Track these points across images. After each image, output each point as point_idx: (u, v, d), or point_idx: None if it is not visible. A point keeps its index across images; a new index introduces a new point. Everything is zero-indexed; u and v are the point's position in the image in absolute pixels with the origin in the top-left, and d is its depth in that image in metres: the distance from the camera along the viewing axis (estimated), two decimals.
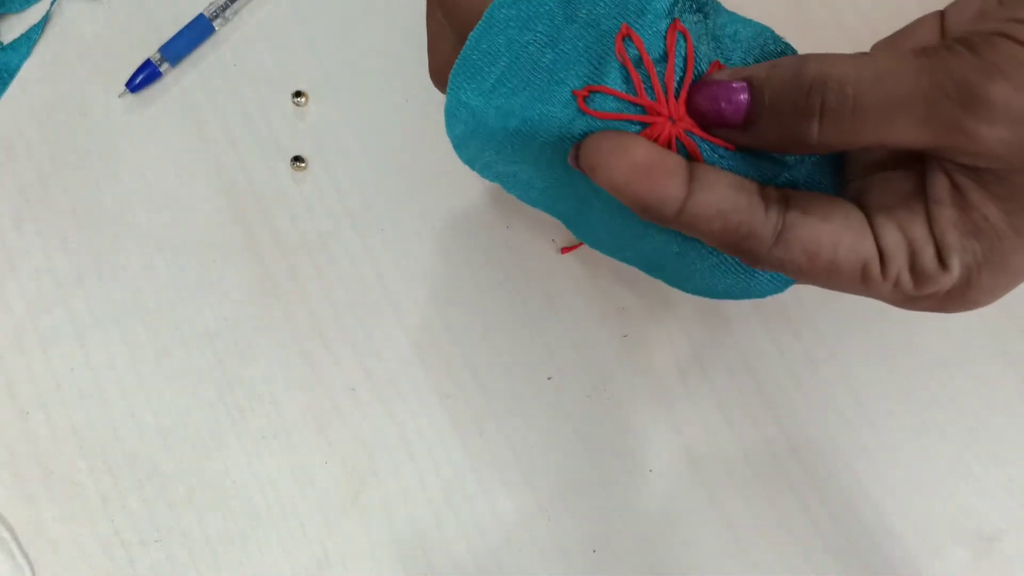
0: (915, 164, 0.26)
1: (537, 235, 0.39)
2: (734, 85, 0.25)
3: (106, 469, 0.37)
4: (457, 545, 0.36)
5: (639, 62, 0.26)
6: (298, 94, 0.41)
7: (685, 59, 0.26)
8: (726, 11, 0.28)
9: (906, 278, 0.25)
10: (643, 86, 0.26)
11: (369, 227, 0.39)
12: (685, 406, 0.38)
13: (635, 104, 0.26)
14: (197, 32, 0.41)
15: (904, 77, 0.23)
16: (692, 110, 0.26)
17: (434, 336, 0.38)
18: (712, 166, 0.26)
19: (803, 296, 0.38)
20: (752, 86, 0.25)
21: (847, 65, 0.23)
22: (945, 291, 0.25)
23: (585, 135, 0.27)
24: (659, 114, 0.26)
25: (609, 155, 0.25)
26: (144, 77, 0.40)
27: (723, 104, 0.25)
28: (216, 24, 0.41)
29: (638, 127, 0.26)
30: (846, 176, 0.28)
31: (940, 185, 0.24)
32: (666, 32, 0.26)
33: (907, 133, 0.23)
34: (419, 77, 0.41)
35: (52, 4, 0.42)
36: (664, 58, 0.26)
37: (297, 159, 0.40)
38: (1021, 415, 0.37)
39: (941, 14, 0.28)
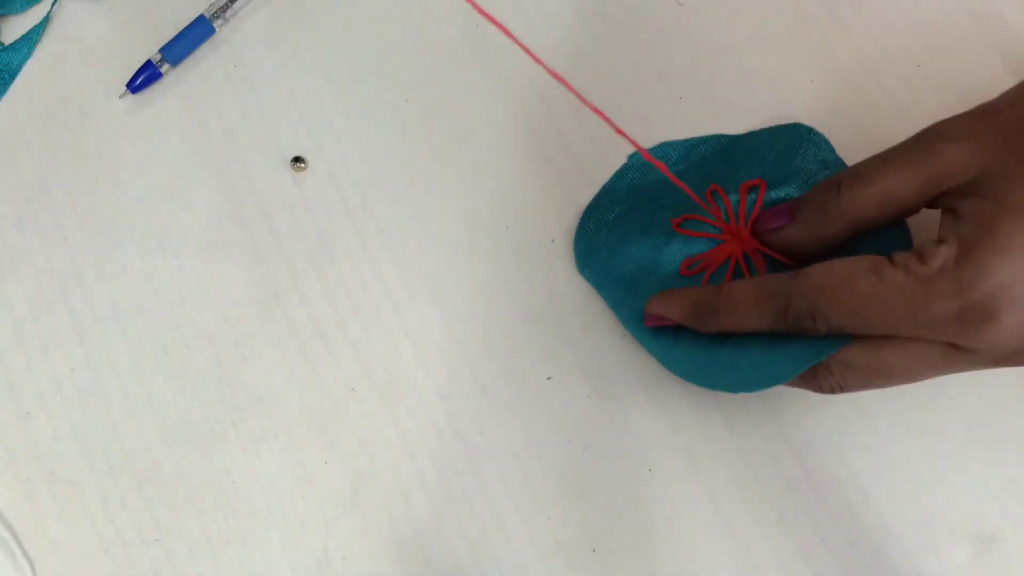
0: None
1: (537, 235, 0.39)
2: (782, 207, 0.36)
3: (106, 469, 0.37)
4: (457, 545, 0.36)
5: (721, 203, 0.38)
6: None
7: (755, 201, 0.38)
8: (816, 152, 0.39)
9: (912, 260, 0.29)
10: (721, 216, 0.38)
11: (369, 227, 0.39)
12: (685, 406, 0.38)
13: (714, 226, 0.38)
14: (197, 33, 0.41)
15: (894, 153, 0.33)
16: (758, 223, 0.36)
17: (434, 336, 0.38)
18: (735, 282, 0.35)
19: None
20: (793, 203, 0.35)
21: (850, 168, 0.34)
22: (951, 264, 0.29)
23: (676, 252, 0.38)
24: (731, 235, 0.37)
25: (667, 304, 0.36)
26: (145, 78, 0.40)
27: (778, 213, 0.36)
28: (216, 25, 0.41)
29: (715, 243, 0.37)
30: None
31: (945, 217, 0.31)
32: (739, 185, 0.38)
33: (903, 183, 0.32)
34: (419, 77, 0.41)
35: (53, 5, 0.42)
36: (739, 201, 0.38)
37: (297, 159, 0.40)
38: (1021, 415, 0.37)
39: None
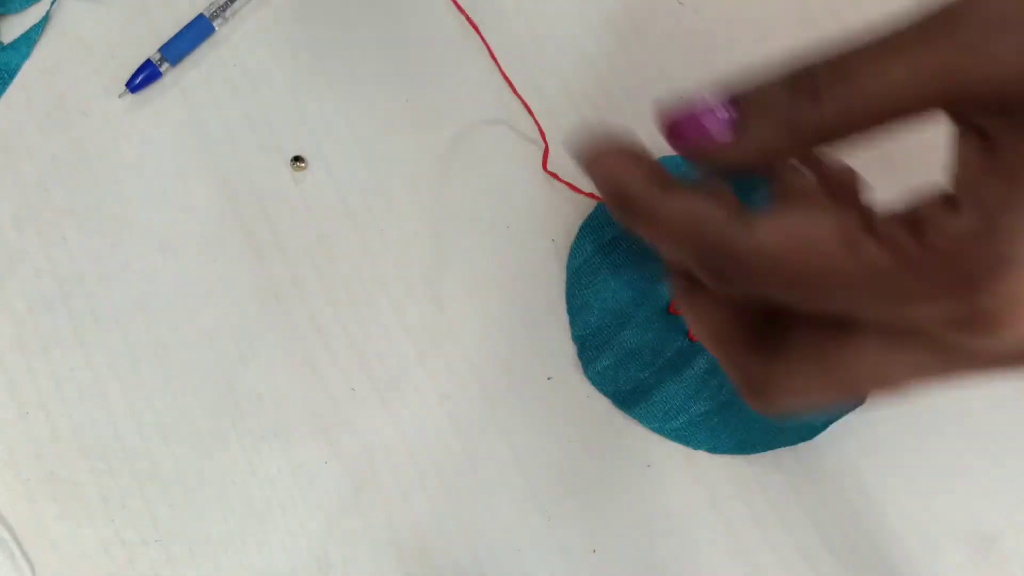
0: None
1: (537, 235, 0.39)
2: (714, 102, 0.22)
3: (106, 469, 0.37)
4: (457, 545, 0.36)
5: None
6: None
7: None
8: None
9: (903, 234, 0.20)
10: None
11: (369, 227, 0.39)
12: None
13: None
14: (197, 32, 0.41)
15: (889, 25, 0.20)
16: (678, 143, 0.23)
17: (434, 336, 0.38)
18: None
19: None
20: (735, 94, 0.22)
21: (830, 60, 0.21)
22: (963, 246, 0.19)
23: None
24: None
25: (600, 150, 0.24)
26: (144, 77, 0.40)
27: (707, 123, 0.22)
28: (216, 24, 0.41)
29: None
30: None
31: (966, 142, 0.20)
32: None
33: (910, 78, 0.19)
34: (420, 77, 0.41)
35: (52, 4, 0.42)
36: None
37: (297, 159, 0.40)
38: (1021, 415, 0.37)
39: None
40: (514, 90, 0.41)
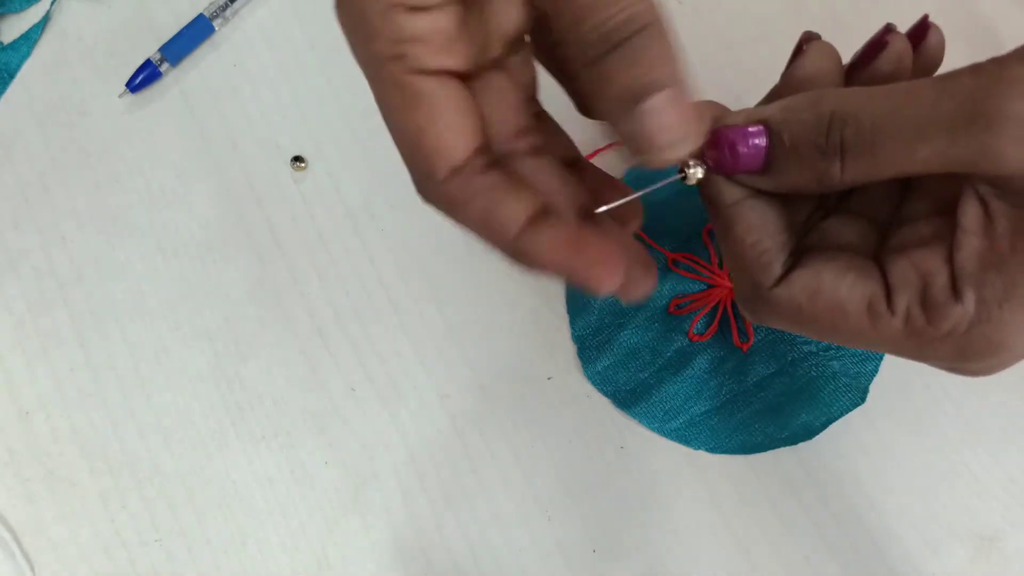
0: (938, 196, 0.25)
1: None
2: (751, 130, 0.24)
3: (106, 469, 0.37)
4: (457, 545, 0.36)
5: (715, 243, 0.38)
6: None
7: None
8: None
9: (917, 312, 0.24)
10: (716, 260, 0.38)
11: (369, 227, 0.39)
12: None
13: (706, 270, 0.38)
14: (197, 32, 0.41)
15: (923, 102, 0.22)
16: (711, 158, 0.25)
17: (434, 336, 0.38)
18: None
19: None
20: (770, 129, 0.24)
21: (863, 97, 0.23)
22: (963, 330, 0.23)
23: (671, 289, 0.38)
24: (719, 281, 0.38)
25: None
26: (144, 77, 0.40)
27: (741, 149, 0.24)
28: (216, 24, 0.41)
29: (705, 286, 0.38)
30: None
31: (972, 213, 0.23)
32: None
33: (931, 160, 0.22)
34: None
35: (52, 4, 0.42)
36: None
37: (297, 159, 0.40)
38: (1021, 415, 0.37)
39: None
40: None
